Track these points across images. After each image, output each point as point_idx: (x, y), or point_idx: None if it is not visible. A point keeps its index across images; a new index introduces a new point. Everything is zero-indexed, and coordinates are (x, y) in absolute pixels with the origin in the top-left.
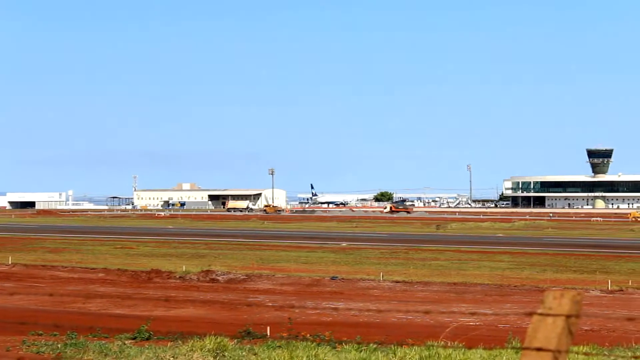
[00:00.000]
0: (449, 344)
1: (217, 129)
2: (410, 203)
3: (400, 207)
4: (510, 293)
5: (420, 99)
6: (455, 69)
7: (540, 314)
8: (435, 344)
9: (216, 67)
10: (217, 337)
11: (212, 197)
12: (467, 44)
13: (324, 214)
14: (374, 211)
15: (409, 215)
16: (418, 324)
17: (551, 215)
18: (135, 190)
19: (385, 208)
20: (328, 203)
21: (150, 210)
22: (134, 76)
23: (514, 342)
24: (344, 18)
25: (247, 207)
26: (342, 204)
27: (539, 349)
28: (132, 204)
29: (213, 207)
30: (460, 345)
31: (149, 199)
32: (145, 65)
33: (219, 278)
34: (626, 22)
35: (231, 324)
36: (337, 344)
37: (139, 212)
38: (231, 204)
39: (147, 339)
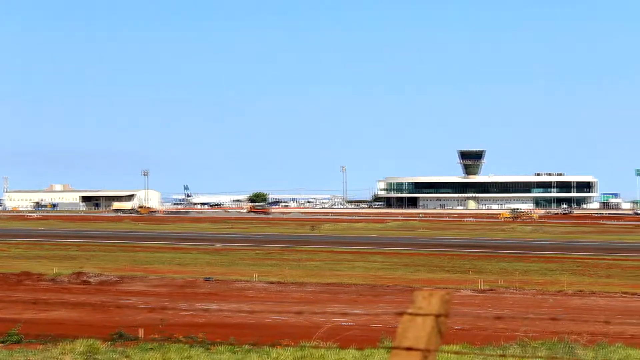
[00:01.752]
0: (322, 344)
1: (91, 130)
2: (285, 204)
3: (258, 208)
4: (383, 293)
5: (294, 100)
6: (328, 70)
7: (410, 314)
8: (309, 344)
9: (84, 67)
10: (89, 340)
11: (84, 199)
12: (337, 44)
13: (198, 215)
14: (239, 212)
15: (267, 216)
16: (292, 324)
17: (421, 215)
18: (6, 191)
19: (244, 209)
20: (202, 204)
21: (21, 211)
22: (4, 74)
23: (386, 342)
24: (204, 18)
25: (132, 209)
26: (216, 205)
27: (409, 349)
28: (3, 206)
29: (86, 209)
30: (334, 345)
31: (20, 200)
32: (14, 63)
33: (91, 280)
34: (495, 27)
35: (103, 326)
36: (210, 345)
37: (10, 214)
38: (116, 205)
39: (18, 343)
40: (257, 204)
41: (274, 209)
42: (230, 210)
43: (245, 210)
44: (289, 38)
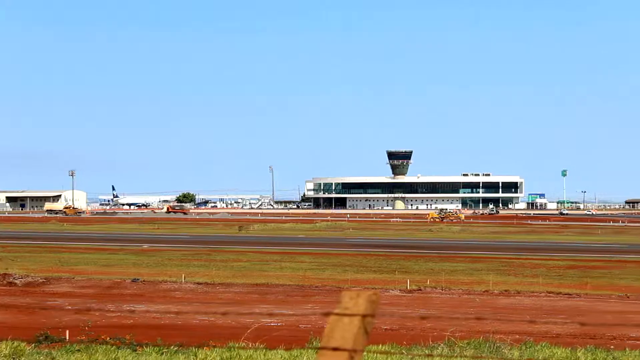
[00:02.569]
0: (250, 345)
1: (16, 130)
2: (213, 204)
3: (177, 208)
4: (312, 293)
5: (222, 100)
6: (256, 70)
7: (337, 314)
8: (237, 345)
9: (5, 66)
10: (14, 342)
11: (10, 199)
12: (262, 45)
13: (126, 216)
14: (155, 212)
15: (185, 216)
16: (220, 325)
17: (348, 216)
18: None
19: (162, 209)
20: (130, 205)
21: None
22: None
23: (315, 342)
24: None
25: (63, 210)
26: (143, 205)
27: (335, 349)
28: None
29: (11, 209)
30: (262, 346)
31: None
32: None
33: (17, 281)
34: (420, 27)
35: (29, 328)
36: (137, 347)
37: None
38: (48, 205)
39: None
40: (175, 204)
41: (202, 210)
42: (157, 211)
43: (164, 210)
44: (211, 37)
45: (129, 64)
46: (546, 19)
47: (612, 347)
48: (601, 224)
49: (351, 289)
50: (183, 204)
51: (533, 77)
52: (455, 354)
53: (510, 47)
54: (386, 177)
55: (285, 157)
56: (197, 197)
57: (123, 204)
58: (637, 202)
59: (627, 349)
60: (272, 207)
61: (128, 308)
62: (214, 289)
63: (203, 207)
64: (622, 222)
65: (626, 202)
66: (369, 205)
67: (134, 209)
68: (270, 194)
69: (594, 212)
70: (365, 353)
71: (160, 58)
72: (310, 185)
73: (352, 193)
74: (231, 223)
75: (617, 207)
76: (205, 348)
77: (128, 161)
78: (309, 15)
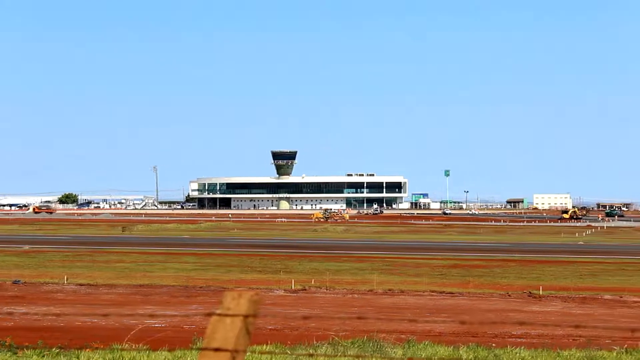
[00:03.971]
0: (134, 347)
1: None
2: (96, 205)
3: (43, 208)
4: (196, 294)
5: (105, 99)
6: (139, 69)
7: (219, 315)
8: (120, 346)
9: None
10: None
11: None
12: (148, 43)
13: (6, 217)
14: (23, 213)
15: (50, 215)
16: (103, 327)
17: (230, 216)
18: None
19: (28, 209)
20: (11, 205)
21: None
22: None
23: (198, 343)
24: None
25: None
26: (24, 206)
27: (217, 349)
28: None
29: None
30: (145, 347)
31: None
32: None
33: None
34: (295, 28)
35: None
36: (18, 350)
37: None
38: None
39: None
40: (42, 204)
41: (85, 210)
42: (26, 212)
43: (29, 211)
44: (84, 36)
45: (14, 64)
46: (434, 20)
47: (493, 344)
48: (483, 223)
49: (234, 290)
50: (49, 204)
51: (414, 78)
52: (339, 354)
53: (393, 47)
54: (271, 178)
55: (170, 157)
56: (79, 197)
57: (4, 205)
58: (518, 202)
59: (508, 346)
60: (156, 208)
61: (8, 310)
62: (97, 291)
63: (86, 208)
64: (504, 221)
65: (507, 202)
66: (254, 205)
67: (15, 210)
68: (154, 195)
69: (476, 212)
70: (248, 353)
71: (32, 57)
72: (195, 186)
73: (237, 193)
74: (115, 224)
75: (498, 206)
76: (87, 350)
77: (9, 161)
78: (193, 14)
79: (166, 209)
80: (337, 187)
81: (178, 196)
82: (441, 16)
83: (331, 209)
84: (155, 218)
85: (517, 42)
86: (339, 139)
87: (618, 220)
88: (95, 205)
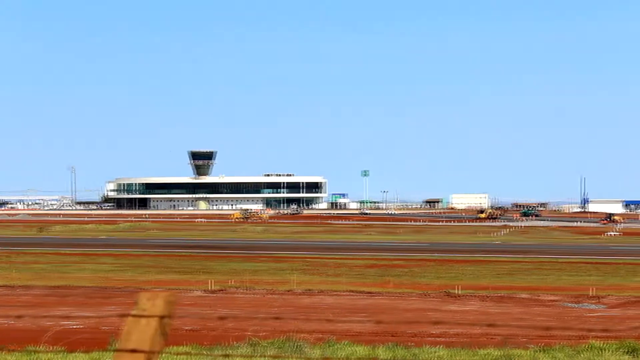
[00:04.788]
0: (50, 349)
1: None
2: (12, 205)
3: None
4: (113, 295)
5: (22, 97)
6: (56, 67)
7: (134, 316)
8: (36, 348)
9: None
10: None
11: None
12: (68, 42)
13: None
14: None
15: None
16: (19, 328)
17: (146, 216)
18: None
19: None
20: None
21: None
22: None
23: (115, 345)
24: None
25: None
26: None
27: (133, 351)
28: None
29: None
30: (61, 349)
31: None
32: None
33: None
34: (216, 30)
35: None
36: None
37: None
38: None
39: None
40: None
41: (1, 211)
42: None
43: None
44: (26, 34)
45: None
46: (351, 22)
47: (412, 344)
48: (402, 223)
49: (150, 290)
50: None
51: (332, 78)
52: (258, 354)
53: (309, 46)
54: (189, 178)
55: (87, 158)
56: None
57: None
58: (436, 202)
59: (426, 345)
60: (73, 208)
61: None
62: (13, 292)
63: (2, 209)
64: (422, 221)
65: (425, 202)
66: (173, 205)
67: None
68: (71, 195)
69: (395, 212)
70: (165, 354)
71: None
72: (112, 186)
73: (155, 194)
74: (31, 224)
75: (417, 206)
76: (3, 352)
77: None
78: (105, 12)
79: (84, 210)
80: (255, 187)
81: (96, 197)
82: (359, 18)
83: (250, 209)
84: (73, 219)
85: (432, 44)
86: (257, 139)
87: (534, 219)
88: (11, 205)
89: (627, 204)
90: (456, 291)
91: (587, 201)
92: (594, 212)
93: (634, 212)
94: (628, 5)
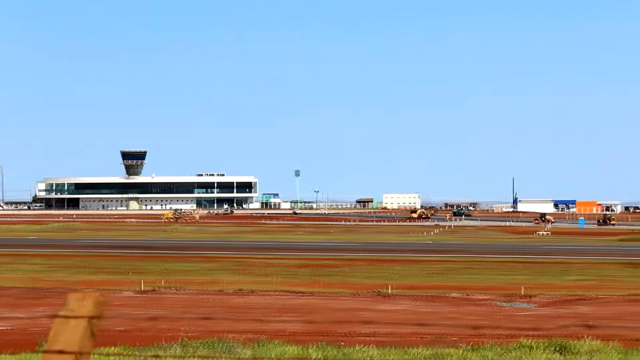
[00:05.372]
0: None
1: None
2: None
3: None
4: (43, 296)
5: None
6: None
7: (63, 317)
8: None
9: None
10: None
11: None
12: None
13: None
14: None
15: None
16: None
17: (74, 216)
18: None
19: None
20: None
21: None
22: None
23: (44, 346)
24: None
25: None
26: None
27: (60, 352)
28: None
29: None
30: None
31: None
32: None
33: None
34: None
35: None
36: None
37: None
38: None
39: None
40: None
41: None
42: None
43: None
44: None
45: None
46: (277, 23)
47: (343, 343)
48: (333, 223)
49: (79, 291)
50: None
51: (262, 77)
52: (189, 354)
53: (238, 47)
54: (120, 178)
55: (16, 157)
56: None
57: None
58: (368, 202)
59: (357, 345)
60: (2, 208)
61: None
62: None
63: None
64: (353, 221)
65: (357, 202)
66: (103, 206)
67: None
68: (0, 195)
69: (327, 212)
70: (94, 355)
71: None
72: (42, 186)
73: (86, 194)
74: None
75: (348, 206)
76: None
77: None
78: (35, 11)
79: (13, 210)
80: (187, 187)
81: (25, 197)
82: (288, 19)
83: (181, 209)
84: (1, 219)
85: (361, 45)
86: (189, 138)
87: (465, 219)
88: None
89: (556, 204)
90: (387, 291)
91: (518, 201)
92: (524, 212)
93: (563, 212)
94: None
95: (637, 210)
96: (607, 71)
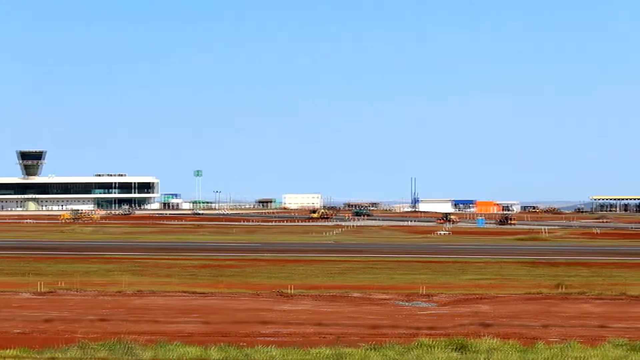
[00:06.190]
0: None
1: None
2: None
3: None
4: None
5: None
6: None
7: None
8: None
9: None
10: None
11: None
12: None
13: None
14: None
15: None
16: None
17: None
18: None
19: None
20: None
21: None
22: None
23: None
24: None
25: None
26: None
27: None
28: None
29: None
30: None
31: None
32: None
33: None
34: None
35: None
36: None
37: None
38: None
39: None
40: None
41: None
42: None
43: None
44: None
45: None
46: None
47: (243, 344)
48: (235, 223)
49: None
50: None
51: (160, 77)
52: (88, 356)
53: (140, 46)
54: (18, 178)
55: None
56: None
57: None
58: (269, 202)
59: (258, 345)
60: None
61: None
62: None
63: None
64: (255, 221)
65: (258, 202)
66: (2, 207)
67: None
68: None
69: (228, 212)
70: None
71: None
72: None
73: None
74: None
75: (250, 206)
76: None
77: None
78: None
79: None
80: (86, 188)
81: None
82: (181, 17)
83: (80, 210)
84: None
85: (259, 46)
86: (89, 138)
87: (366, 219)
88: None
89: (455, 204)
90: (289, 291)
91: (418, 201)
92: (424, 212)
93: (463, 212)
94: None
95: (535, 210)
96: (502, 73)
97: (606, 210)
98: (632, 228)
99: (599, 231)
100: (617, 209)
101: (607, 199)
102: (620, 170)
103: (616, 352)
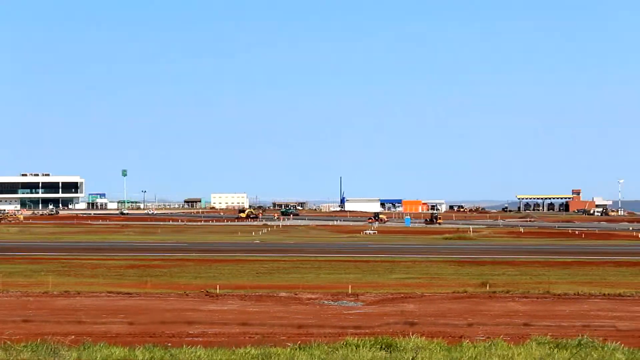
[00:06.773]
0: None
1: None
2: None
3: None
4: None
5: None
6: None
7: None
8: None
9: None
10: None
11: None
12: None
13: None
14: None
15: None
16: None
17: None
18: None
19: None
20: None
21: None
22: None
23: None
24: None
25: None
26: None
27: None
28: None
29: None
30: None
31: None
32: None
33: None
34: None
35: None
36: None
37: None
38: None
39: None
40: None
41: None
42: None
43: None
44: None
45: None
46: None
47: (170, 344)
48: (161, 223)
49: None
50: None
51: (88, 76)
52: (12, 358)
53: (58, 43)
54: None
55: None
56: None
57: None
58: (196, 202)
59: (185, 346)
60: None
61: None
62: None
63: None
64: (182, 221)
65: (185, 202)
66: None
67: None
68: None
69: (154, 212)
70: None
71: None
72: None
73: None
74: None
75: (176, 206)
76: None
77: None
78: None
79: None
80: (11, 188)
81: None
82: (118, 16)
83: (5, 210)
84: None
85: (187, 44)
86: (13, 137)
87: (293, 219)
88: None
89: (382, 203)
90: (216, 290)
91: (345, 200)
92: (351, 211)
93: (390, 211)
94: None
95: (461, 209)
96: (429, 73)
97: (532, 209)
98: (556, 227)
99: (523, 230)
100: (543, 207)
101: (532, 198)
102: (546, 169)
103: (540, 350)
